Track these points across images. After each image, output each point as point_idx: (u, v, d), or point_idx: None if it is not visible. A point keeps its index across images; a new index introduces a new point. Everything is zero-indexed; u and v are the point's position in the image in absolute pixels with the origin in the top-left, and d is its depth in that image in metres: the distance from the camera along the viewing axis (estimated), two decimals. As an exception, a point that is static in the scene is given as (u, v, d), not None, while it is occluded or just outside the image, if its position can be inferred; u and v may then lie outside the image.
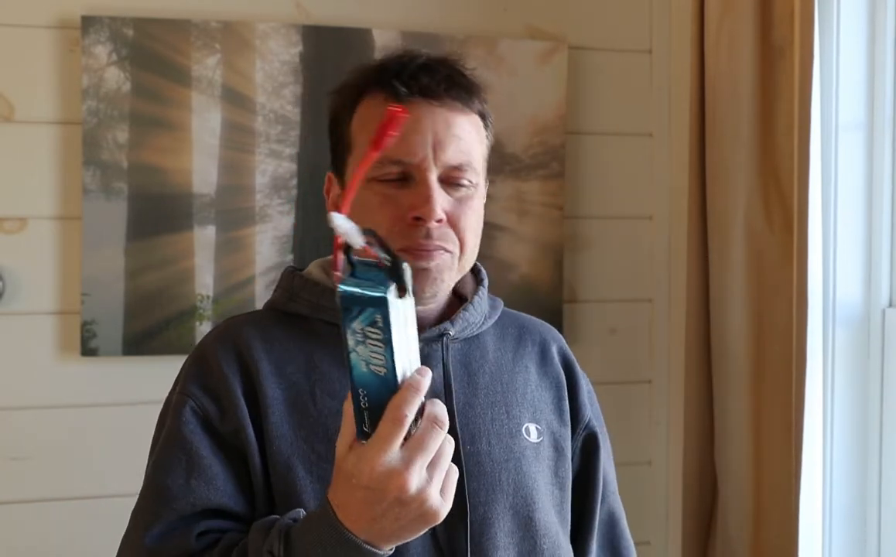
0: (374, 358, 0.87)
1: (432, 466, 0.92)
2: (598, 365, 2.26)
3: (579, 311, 2.28)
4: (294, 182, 2.07)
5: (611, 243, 2.31)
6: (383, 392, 0.89)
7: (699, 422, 2.07)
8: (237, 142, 2.05)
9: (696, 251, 2.05)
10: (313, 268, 1.23)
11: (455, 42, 2.14)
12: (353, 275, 0.89)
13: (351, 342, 0.88)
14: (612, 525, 1.32)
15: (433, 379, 1.15)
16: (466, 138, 1.15)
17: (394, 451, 0.89)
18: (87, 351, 1.98)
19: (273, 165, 2.07)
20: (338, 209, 0.91)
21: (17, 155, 1.98)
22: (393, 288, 0.87)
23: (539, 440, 1.21)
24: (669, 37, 2.31)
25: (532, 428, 1.21)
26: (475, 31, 2.18)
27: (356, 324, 0.87)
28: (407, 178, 1.13)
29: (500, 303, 1.30)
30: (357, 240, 0.88)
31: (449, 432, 1.14)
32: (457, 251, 1.15)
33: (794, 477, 1.82)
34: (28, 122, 1.99)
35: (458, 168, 1.14)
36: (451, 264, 1.16)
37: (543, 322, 1.35)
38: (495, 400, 1.20)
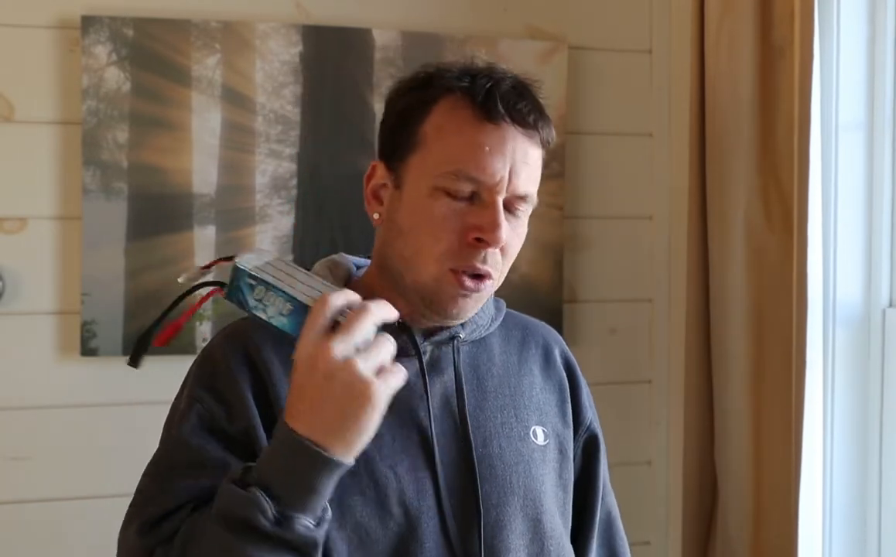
0: (278, 304, 0.99)
1: (365, 348, 0.95)
2: (598, 365, 2.26)
3: (579, 311, 2.28)
4: (294, 182, 2.07)
5: (611, 243, 2.30)
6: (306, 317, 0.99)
7: (699, 422, 2.07)
8: (237, 142, 2.05)
9: (696, 251, 2.05)
10: (319, 268, 1.23)
11: (455, 42, 2.14)
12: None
13: (262, 316, 1.00)
14: (609, 524, 1.33)
15: (444, 382, 1.16)
16: (535, 168, 1.15)
17: (319, 327, 0.95)
18: (87, 351, 1.98)
19: (273, 165, 2.07)
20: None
21: (17, 155, 1.98)
22: (241, 258, 1.01)
23: (545, 442, 1.22)
24: (669, 37, 2.31)
25: (539, 430, 1.22)
26: (475, 31, 2.18)
27: (250, 301, 1.00)
28: (473, 197, 1.11)
29: (504, 305, 1.30)
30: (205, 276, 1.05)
31: (462, 435, 1.15)
32: (498, 277, 1.16)
33: (794, 477, 1.82)
34: (28, 122, 1.99)
35: (523, 198, 1.14)
36: (489, 291, 1.17)
37: (544, 324, 1.35)
38: (504, 403, 1.21)
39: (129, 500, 1.14)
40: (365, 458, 1.10)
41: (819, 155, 1.81)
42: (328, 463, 0.94)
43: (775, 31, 1.89)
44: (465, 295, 1.13)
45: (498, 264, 1.14)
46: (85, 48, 1.97)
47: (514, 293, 2.13)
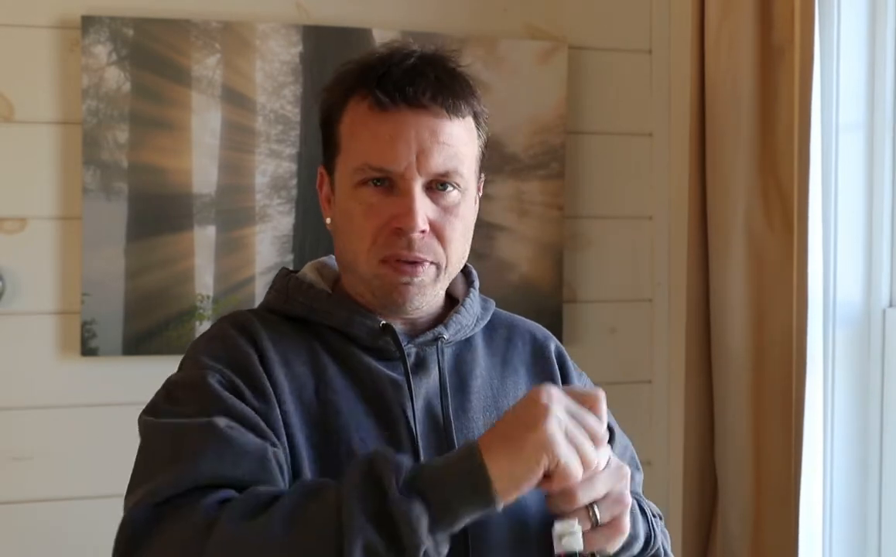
0: None
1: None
2: (598, 365, 2.25)
3: (579, 311, 2.28)
4: (294, 182, 2.07)
5: (611, 243, 2.30)
6: None
7: (699, 422, 2.07)
8: (237, 142, 2.05)
9: (696, 251, 2.05)
10: (308, 270, 1.23)
11: (455, 42, 2.13)
12: None
13: None
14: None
15: (428, 384, 1.16)
16: (454, 144, 1.12)
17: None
18: (87, 351, 1.98)
19: (273, 165, 2.07)
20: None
21: (17, 155, 1.98)
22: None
23: None
24: (669, 37, 2.31)
25: None
26: (475, 31, 2.18)
27: None
28: (391, 187, 1.11)
29: (492, 305, 1.29)
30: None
31: (444, 438, 1.14)
32: (442, 262, 1.14)
33: (794, 477, 1.82)
34: (28, 122, 1.99)
35: (445, 175, 1.12)
36: (435, 277, 1.14)
37: (536, 323, 1.34)
38: (487, 405, 1.20)
39: (128, 501, 1.14)
40: (350, 459, 1.10)
41: (819, 155, 1.81)
42: (490, 502, 0.96)
43: (775, 31, 1.89)
44: (406, 283, 1.12)
45: (431, 249, 1.12)
46: (85, 48, 1.97)
47: (514, 293, 2.13)
